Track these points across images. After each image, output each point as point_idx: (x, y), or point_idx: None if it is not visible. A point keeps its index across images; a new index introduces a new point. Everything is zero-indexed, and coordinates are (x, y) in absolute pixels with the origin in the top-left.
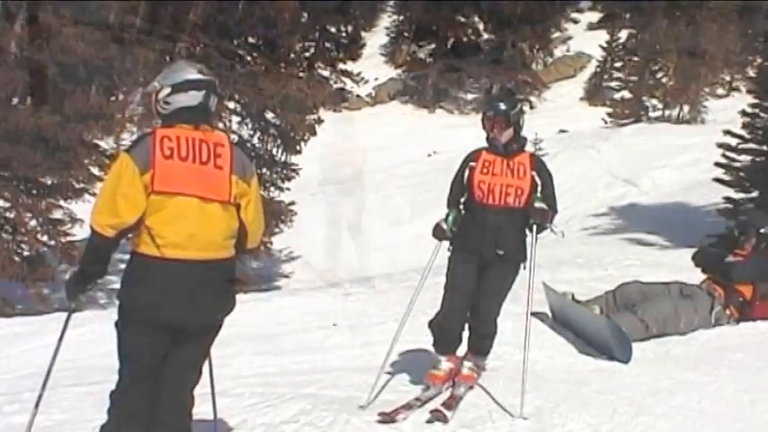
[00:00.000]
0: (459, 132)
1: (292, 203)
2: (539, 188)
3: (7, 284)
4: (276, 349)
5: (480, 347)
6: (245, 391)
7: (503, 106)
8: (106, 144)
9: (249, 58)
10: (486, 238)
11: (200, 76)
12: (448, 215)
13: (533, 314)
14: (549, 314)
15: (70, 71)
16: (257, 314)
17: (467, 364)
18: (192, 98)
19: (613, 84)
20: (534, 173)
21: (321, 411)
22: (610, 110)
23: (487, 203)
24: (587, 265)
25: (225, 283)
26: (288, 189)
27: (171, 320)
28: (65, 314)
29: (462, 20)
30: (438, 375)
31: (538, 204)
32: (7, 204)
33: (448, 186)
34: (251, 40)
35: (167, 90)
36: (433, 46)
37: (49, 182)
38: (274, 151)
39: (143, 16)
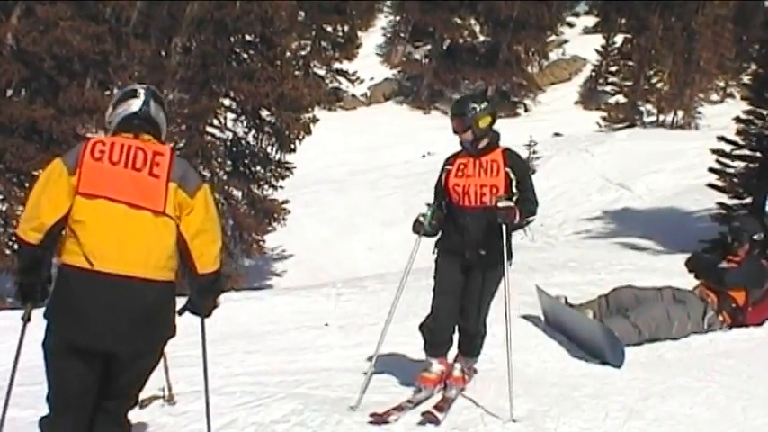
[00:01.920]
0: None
1: (286, 202)
2: (514, 184)
3: None
4: (267, 348)
5: (470, 349)
6: (236, 390)
7: (459, 108)
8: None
9: (245, 56)
10: (467, 240)
11: (137, 86)
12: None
13: (525, 317)
14: (542, 317)
15: (65, 64)
16: (249, 313)
17: (457, 366)
18: (132, 106)
19: (608, 88)
20: (508, 169)
21: (312, 411)
22: (604, 114)
23: (464, 206)
24: (580, 269)
25: (160, 308)
26: (281, 188)
27: (91, 345)
28: None
29: (458, 21)
30: (429, 378)
31: (502, 204)
32: (0, 197)
33: None
34: (247, 37)
35: (110, 109)
36: (428, 47)
37: None
38: (269, 149)
39: (140, 10)
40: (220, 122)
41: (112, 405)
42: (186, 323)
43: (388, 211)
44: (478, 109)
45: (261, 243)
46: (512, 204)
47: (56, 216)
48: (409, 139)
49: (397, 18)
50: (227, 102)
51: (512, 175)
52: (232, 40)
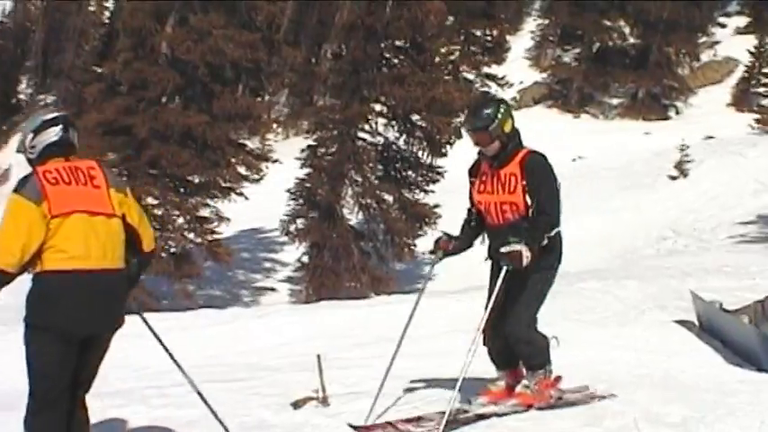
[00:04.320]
0: (604, 137)
1: (437, 206)
2: (527, 196)
3: (153, 280)
4: (420, 352)
5: (524, 359)
6: (386, 392)
7: (480, 121)
8: (252, 144)
9: (396, 61)
10: (498, 256)
11: (53, 114)
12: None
13: (679, 322)
14: (697, 323)
15: (218, 72)
16: (401, 316)
17: (523, 381)
18: (52, 134)
19: (761, 89)
20: (525, 182)
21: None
22: (758, 116)
23: (489, 224)
24: (735, 274)
25: (124, 291)
26: (432, 192)
27: (86, 330)
28: (211, 310)
29: (608, 24)
30: (490, 391)
31: (505, 249)
32: (156, 201)
33: (592, 192)
34: (398, 42)
35: (30, 136)
36: (578, 50)
37: (197, 180)
38: (420, 153)
39: (290, 18)
40: (371, 127)
41: (82, 391)
42: (341, 327)
43: None
44: (500, 114)
45: (412, 247)
46: (515, 248)
47: (36, 243)
48: (559, 143)
49: (546, 21)
50: (377, 107)
51: (527, 187)
52: (382, 45)
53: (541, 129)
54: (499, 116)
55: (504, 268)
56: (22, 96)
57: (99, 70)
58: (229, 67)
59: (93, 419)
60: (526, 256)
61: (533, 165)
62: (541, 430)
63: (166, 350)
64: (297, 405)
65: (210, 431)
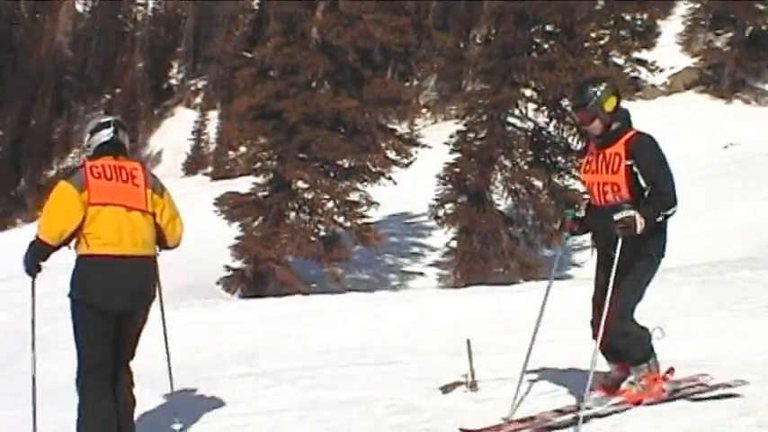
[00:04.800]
0: (757, 124)
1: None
2: (640, 177)
3: (303, 263)
4: (565, 337)
5: (621, 353)
6: (538, 379)
7: (579, 99)
8: (401, 129)
9: (546, 46)
10: (597, 240)
11: (107, 118)
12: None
13: None
14: None
15: (368, 56)
16: (550, 302)
17: (628, 378)
18: (104, 135)
19: None
20: (631, 161)
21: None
22: None
23: (593, 204)
24: None
25: (153, 275)
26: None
27: (118, 306)
28: (359, 294)
29: (761, 8)
30: (604, 385)
31: (618, 215)
32: (306, 185)
33: (745, 179)
34: (548, 27)
35: (87, 136)
36: (730, 35)
37: (347, 164)
38: (570, 140)
39: (439, 2)
40: (521, 112)
41: (124, 358)
42: (489, 313)
43: (691, 202)
44: (599, 92)
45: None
46: (629, 214)
47: (73, 224)
48: (710, 130)
49: (698, 5)
50: (527, 92)
51: (635, 168)
52: (532, 30)
53: (692, 115)
54: (598, 94)
55: (617, 252)
56: (173, 81)
57: (249, 55)
58: (379, 51)
59: (242, 398)
60: (640, 222)
61: (640, 145)
62: (695, 420)
63: (165, 340)
64: (446, 389)
65: (360, 415)
